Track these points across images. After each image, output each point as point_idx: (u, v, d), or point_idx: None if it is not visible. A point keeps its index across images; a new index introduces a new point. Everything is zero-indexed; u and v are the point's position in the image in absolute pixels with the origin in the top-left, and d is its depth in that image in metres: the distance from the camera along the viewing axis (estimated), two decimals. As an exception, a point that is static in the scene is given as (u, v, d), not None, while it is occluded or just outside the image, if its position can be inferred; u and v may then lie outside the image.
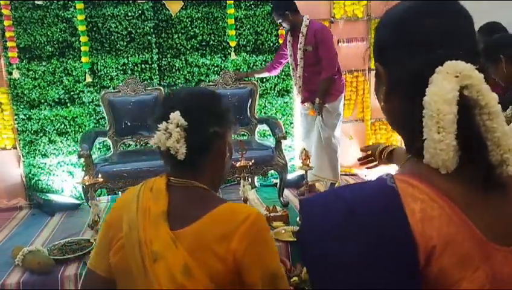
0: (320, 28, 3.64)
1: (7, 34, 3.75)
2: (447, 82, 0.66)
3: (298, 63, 3.71)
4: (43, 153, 4.02)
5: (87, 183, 2.74)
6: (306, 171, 3.27)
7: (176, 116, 1.10)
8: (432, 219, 0.64)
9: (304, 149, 3.28)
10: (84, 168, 3.42)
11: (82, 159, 3.53)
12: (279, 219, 3.24)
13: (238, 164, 3.05)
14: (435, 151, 0.65)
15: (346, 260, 0.64)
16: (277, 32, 4.22)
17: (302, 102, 3.88)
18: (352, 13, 4.39)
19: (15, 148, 4.02)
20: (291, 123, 4.40)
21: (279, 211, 3.33)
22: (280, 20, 3.68)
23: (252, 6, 4.16)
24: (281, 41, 4.19)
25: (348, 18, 4.41)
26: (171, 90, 1.31)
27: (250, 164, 3.09)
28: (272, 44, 4.25)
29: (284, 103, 4.38)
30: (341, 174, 4.33)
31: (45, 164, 4.04)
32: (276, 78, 4.31)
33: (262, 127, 4.21)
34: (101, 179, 2.81)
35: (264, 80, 4.29)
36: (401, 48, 0.73)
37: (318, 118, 3.72)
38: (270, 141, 4.07)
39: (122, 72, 4.04)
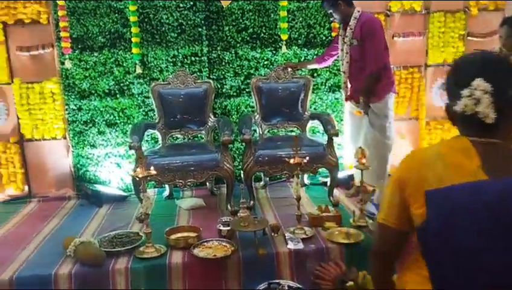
0: (368, 20, 3.41)
1: (61, 24, 3.76)
2: None
3: (344, 58, 3.54)
4: (91, 143, 4.03)
5: (140, 176, 2.69)
6: (362, 171, 3.11)
7: (480, 83, 1.21)
8: None
9: (360, 148, 3.13)
10: (134, 160, 3.39)
11: (132, 151, 3.51)
12: (332, 220, 3.11)
13: (292, 161, 2.94)
14: None
15: (471, 247, 0.74)
16: (330, 25, 4.07)
17: (346, 99, 3.70)
18: (409, 6, 4.18)
19: (65, 138, 4.04)
20: (341, 120, 4.23)
21: (332, 211, 3.20)
22: (331, 11, 3.49)
23: (306, -2, 4.03)
24: (334, 34, 4.03)
25: (404, 11, 4.20)
26: (460, 59, 1.40)
27: (305, 161, 2.96)
28: (324, 38, 4.10)
29: (335, 99, 4.22)
30: (391, 175, 4.14)
31: (93, 154, 4.05)
32: (328, 72, 4.16)
33: (313, 123, 4.08)
34: (154, 172, 2.75)
35: (315, 74, 4.15)
36: None
37: (366, 118, 3.52)
38: (321, 138, 3.93)
39: (172, 64, 3.99)
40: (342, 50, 3.59)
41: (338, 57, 3.80)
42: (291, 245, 2.80)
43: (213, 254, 2.73)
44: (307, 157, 2.99)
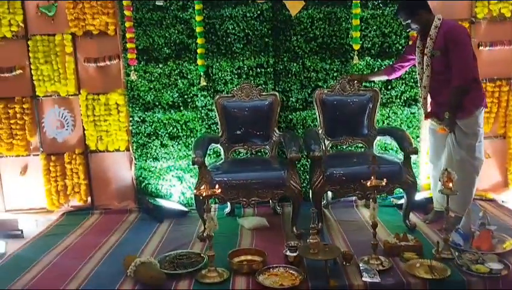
0: (452, 27, 3.05)
1: (127, 36, 3.72)
2: None
3: (424, 71, 3.17)
4: (154, 156, 3.95)
5: (204, 195, 2.52)
6: (447, 197, 2.77)
7: None
8: None
9: (447, 170, 2.78)
10: (197, 175, 3.25)
11: (195, 166, 3.37)
12: (412, 250, 2.79)
13: (369, 183, 2.65)
14: None
15: None
16: (407, 33, 3.74)
17: (426, 116, 3.31)
18: (497, 12, 3.77)
19: (128, 150, 4.00)
20: (417, 137, 3.88)
21: (411, 240, 2.87)
22: (409, 21, 3.15)
23: (381, 5, 3.73)
24: (411, 43, 3.70)
25: (492, 18, 3.79)
26: None
27: (384, 184, 2.67)
28: (400, 47, 3.78)
29: (411, 113, 3.87)
30: (475, 199, 3.73)
31: (155, 167, 3.97)
32: (404, 85, 3.83)
33: (382, 139, 3.77)
34: (219, 191, 2.58)
35: (390, 86, 3.84)
36: None
37: (450, 136, 3.14)
38: (393, 155, 3.61)
39: (236, 76, 3.84)
40: (420, 63, 3.24)
41: (412, 67, 3.48)
42: (366, 278, 2.51)
43: (279, 283, 2.50)
44: (385, 180, 2.70)
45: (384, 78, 3.68)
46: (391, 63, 3.73)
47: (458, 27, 3.12)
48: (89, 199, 4.06)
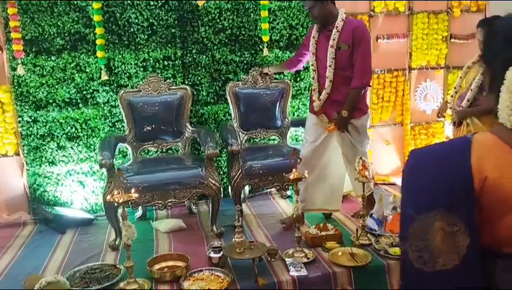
0: (361, 26, 3.02)
1: (11, 24, 3.25)
2: None
3: (329, 64, 3.01)
4: (50, 160, 3.52)
5: (120, 201, 2.27)
6: (363, 184, 2.86)
7: None
8: (489, 158, 1.10)
9: (361, 158, 2.87)
10: (105, 179, 2.95)
11: (97, 167, 3.08)
12: (332, 239, 2.84)
13: (292, 176, 2.63)
14: (503, 111, 1.13)
15: (431, 181, 1.15)
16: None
17: (318, 113, 3.12)
18: (393, 7, 4.00)
19: (18, 154, 3.51)
20: (325, 127, 3.97)
21: (331, 229, 2.92)
22: (314, 8, 2.99)
23: (287, -4, 3.74)
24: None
25: (388, 12, 4.01)
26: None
27: (306, 175, 2.66)
28: (307, 39, 3.83)
29: (319, 104, 3.95)
30: (378, 184, 3.95)
31: (52, 172, 3.55)
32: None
33: (294, 131, 3.82)
34: (136, 195, 2.35)
35: (298, 78, 3.87)
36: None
37: (341, 135, 3.05)
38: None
39: (142, 68, 3.57)
40: (314, 54, 3.10)
41: (309, 61, 3.42)
42: (294, 272, 2.49)
43: (207, 288, 2.37)
44: (306, 171, 2.69)
45: (286, 70, 3.66)
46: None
47: (366, 27, 3.13)
48: (-28, 213, 3.50)
